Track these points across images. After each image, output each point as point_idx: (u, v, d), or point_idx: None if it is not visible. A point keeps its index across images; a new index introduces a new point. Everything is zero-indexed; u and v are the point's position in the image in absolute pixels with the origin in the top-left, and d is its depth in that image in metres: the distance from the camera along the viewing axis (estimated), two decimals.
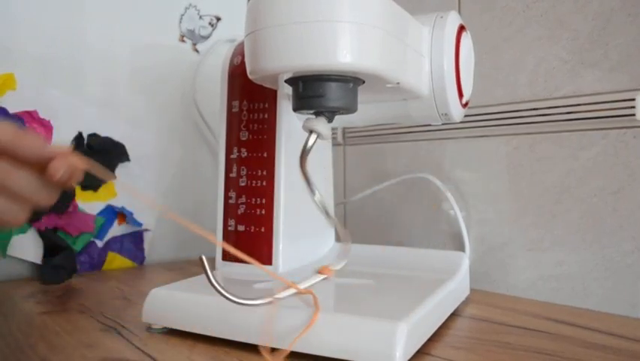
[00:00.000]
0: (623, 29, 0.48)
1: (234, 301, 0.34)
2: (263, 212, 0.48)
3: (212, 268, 0.49)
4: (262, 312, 0.37)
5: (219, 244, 0.43)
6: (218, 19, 0.81)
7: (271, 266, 0.47)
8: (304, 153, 0.37)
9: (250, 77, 0.37)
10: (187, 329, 0.39)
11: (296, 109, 0.38)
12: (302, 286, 0.39)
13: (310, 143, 0.37)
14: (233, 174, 0.50)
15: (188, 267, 0.69)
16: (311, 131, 0.37)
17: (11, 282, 0.61)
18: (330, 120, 0.38)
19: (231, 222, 0.49)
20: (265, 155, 0.48)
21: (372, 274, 0.48)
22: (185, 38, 0.78)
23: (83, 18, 0.68)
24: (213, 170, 0.52)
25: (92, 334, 0.41)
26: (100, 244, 0.69)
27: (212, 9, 0.81)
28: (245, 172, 0.49)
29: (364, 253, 0.54)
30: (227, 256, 0.49)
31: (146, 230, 0.73)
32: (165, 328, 0.41)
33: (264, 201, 0.48)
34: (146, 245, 0.73)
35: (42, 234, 0.63)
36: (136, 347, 0.37)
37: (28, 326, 0.43)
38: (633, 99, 0.47)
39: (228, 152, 0.50)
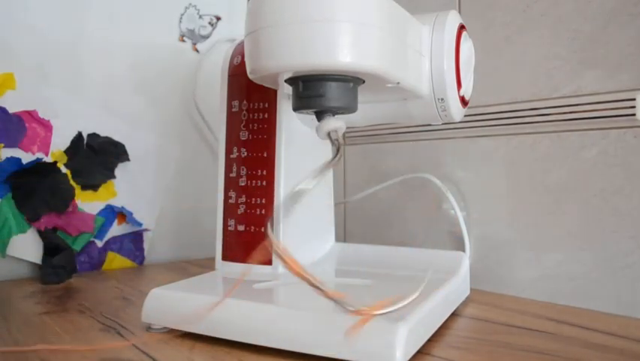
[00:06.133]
0: (624, 29, 0.48)
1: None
2: (263, 212, 0.48)
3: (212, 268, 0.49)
4: (263, 312, 0.37)
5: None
6: (218, 18, 0.81)
7: (271, 266, 0.47)
8: (334, 160, 0.36)
9: (250, 76, 0.37)
10: (187, 329, 0.39)
11: (296, 109, 0.38)
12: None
13: (336, 143, 0.36)
14: (233, 174, 0.49)
15: (188, 267, 0.69)
16: (329, 133, 0.36)
17: (11, 282, 0.61)
18: None
19: (231, 222, 0.49)
20: (265, 155, 0.48)
21: (372, 274, 0.48)
22: (185, 38, 0.78)
23: (83, 18, 0.68)
24: (213, 170, 0.52)
25: (92, 334, 0.40)
26: (99, 243, 0.69)
27: (212, 8, 0.81)
28: (245, 172, 0.49)
29: (364, 253, 0.54)
30: (227, 257, 0.49)
31: (146, 230, 0.73)
32: (165, 328, 0.40)
33: (264, 201, 0.48)
34: (145, 245, 0.73)
35: (42, 234, 0.63)
36: (136, 347, 0.37)
37: (27, 326, 0.43)
38: (633, 99, 0.47)
39: (228, 152, 0.50)
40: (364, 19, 0.33)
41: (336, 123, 0.37)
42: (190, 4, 0.79)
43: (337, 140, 0.37)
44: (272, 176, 0.48)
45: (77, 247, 0.66)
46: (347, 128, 0.65)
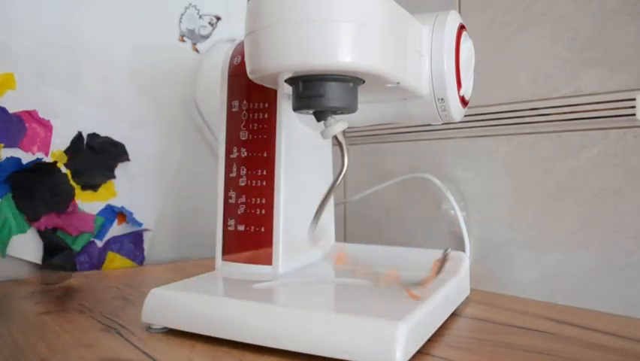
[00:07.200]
0: (623, 29, 0.48)
1: None
2: (263, 212, 0.48)
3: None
4: (263, 312, 0.37)
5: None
6: (218, 18, 0.81)
7: (271, 266, 0.47)
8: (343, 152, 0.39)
9: (250, 76, 0.37)
10: (187, 329, 0.39)
11: (296, 109, 0.38)
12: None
13: (342, 142, 0.39)
14: (233, 174, 0.49)
15: (188, 267, 0.69)
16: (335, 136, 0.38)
17: (11, 282, 0.61)
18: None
19: (231, 222, 0.49)
20: (265, 155, 0.48)
21: (372, 274, 0.48)
22: (185, 38, 0.78)
23: (82, 18, 0.68)
24: (213, 170, 0.52)
25: (92, 334, 0.40)
26: (99, 243, 0.69)
27: (212, 8, 0.81)
28: (245, 172, 0.49)
29: (364, 253, 0.54)
30: (227, 257, 0.49)
31: (146, 230, 0.73)
32: (165, 328, 0.40)
33: (264, 201, 0.48)
34: (145, 245, 0.73)
35: (42, 234, 0.63)
36: (136, 347, 0.37)
37: (27, 326, 0.43)
38: (633, 99, 0.47)
39: (228, 152, 0.50)
40: (364, 19, 0.33)
41: (342, 126, 0.37)
42: (190, 4, 0.79)
43: (341, 143, 0.38)
44: (272, 176, 0.48)
45: (77, 247, 0.66)
46: (347, 128, 0.65)
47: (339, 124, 0.38)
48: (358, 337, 0.33)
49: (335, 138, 0.39)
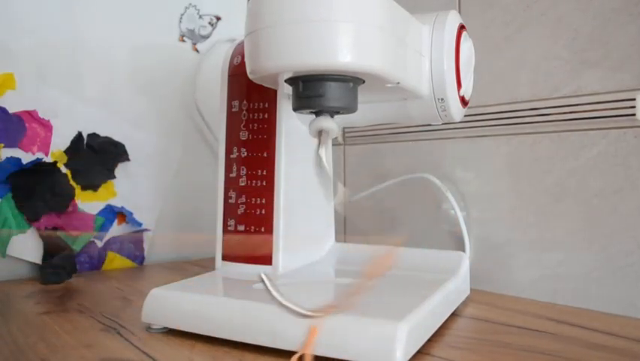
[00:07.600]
0: (624, 29, 0.48)
1: (298, 313, 0.34)
2: (263, 212, 0.48)
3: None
4: (263, 312, 0.37)
5: None
6: (218, 18, 0.81)
7: (271, 266, 0.47)
8: (319, 154, 0.36)
9: (250, 76, 0.37)
10: (187, 329, 0.39)
11: (296, 109, 0.38)
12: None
13: (323, 143, 0.36)
14: (233, 174, 0.49)
15: (188, 267, 0.69)
16: (320, 132, 0.37)
17: (11, 282, 0.61)
18: None
19: (231, 222, 0.49)
20: (265, 155, 0.48)
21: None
22: (185, 38, 0.78)
23: (82, 18, 0.68)
24: (213, 170, 0.52)
25: (92, 334, 0.41)
26: (99, 243, 0.69)
27: (212, 8, 0.81)
28: (245, 172, 0.49)
29: (364, 253, 0.54)
30: (227, 257, 0.49)
31: (146, 230, 0.73)
32: (165, 328, 0.40)
33: (264, 201, 0.48)
34: (146, 245, 0.73)
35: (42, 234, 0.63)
36: (136, 347, 0.37)
37: (27, 326, 0.43)
38: (634, 99, 0.47)
39: (228, 152, 0.50)
40: (364, 19, 0.33)
41: (328, 123, 0.36)
42: (190, 4, 0.79)
43: (324, 140, 0.36)
44: (272, 176, 0.48)
45: (77, 247, 0.66)
46: (347, 128, 0.65)
47: (326, 122, 0.36)
48: (358, 337, 0.33)
49: (319, 136, 0.36)
